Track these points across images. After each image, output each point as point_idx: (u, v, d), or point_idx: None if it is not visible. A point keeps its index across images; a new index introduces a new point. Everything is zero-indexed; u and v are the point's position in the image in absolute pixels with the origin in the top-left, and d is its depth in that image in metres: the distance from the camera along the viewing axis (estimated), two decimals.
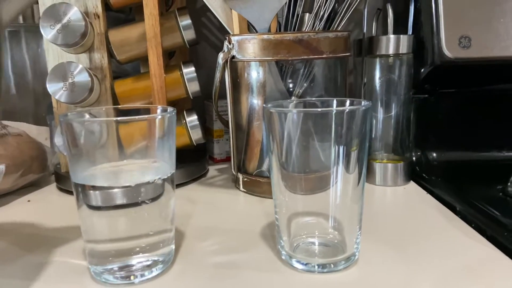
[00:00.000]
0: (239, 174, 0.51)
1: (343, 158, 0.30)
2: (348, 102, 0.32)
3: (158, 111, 0.32)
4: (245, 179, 0.50)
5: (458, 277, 0.30)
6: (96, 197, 0.30)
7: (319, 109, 0.30)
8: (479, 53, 0.49)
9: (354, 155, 0.31)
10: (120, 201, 0.30)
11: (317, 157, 0.31)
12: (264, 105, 0.32)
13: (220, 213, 0.44)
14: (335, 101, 0.33)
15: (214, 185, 0.54)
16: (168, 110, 0.31)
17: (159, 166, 0.31)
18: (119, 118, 0.29)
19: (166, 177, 0.31)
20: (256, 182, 0.49)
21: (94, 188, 0.30)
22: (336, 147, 0.30)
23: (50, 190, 0.53)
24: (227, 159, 0.65)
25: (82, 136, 0.29)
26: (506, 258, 0.33)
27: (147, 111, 0.39)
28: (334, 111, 0.29)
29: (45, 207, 0.47)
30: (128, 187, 0.30)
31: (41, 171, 0.53)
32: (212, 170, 0.61)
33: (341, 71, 0.49)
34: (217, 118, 0.58)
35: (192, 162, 0.56)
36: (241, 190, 0.51)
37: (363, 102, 0.31)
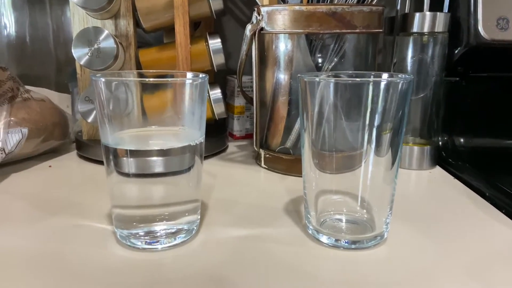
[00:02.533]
0: (261, 150, 0.50)
1: (376, 139, 0.29)
2: (386, 75, 0.31)
3: (189, 75, 0.31)
4: (267, 155, 0.49)
5: (489, 262, 0.29)
6: (129, 165, 0.29)
7: (357, 79, 0.29)
8: None
9: (387, 136, 0.30)
10: (151, 170, 0.29)
11: (348, 136, 0.30)
12: (298, 75, 0.31)
13: (241, 188, 0.44)
14: (372, 74, 0.32)
15: (234, 161, 0.53)
16: (200, 76, 0.30)
17: (189, 132, 0.31)
18: (152, 80, 0.28)
19: (195, 144, 0.30)
20: (278, 159, 0.48)
21: (127, 155, 0.29)
22: (369, 126, 0.29)
23: (71, 157, 0.52)
24: (247, 136, 0.64)
25: (114, 97, 0.28)
26: None
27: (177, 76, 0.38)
28: (371, 82, 0.28)
29: (67, 173, 0.47)
30: (159, 153, 0.29)
31: (62, 138, 0.53)
32: (232, 146, 0.60)
33: (372, 49, 0.47)
34: (240, 94, 0.57)
35: (212, 137, 0.55)
36: (262, 167, 0.50)
37: (404, 75, 0.29)
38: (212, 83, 0.52)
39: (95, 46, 0.45)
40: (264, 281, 0.27)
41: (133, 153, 0.29)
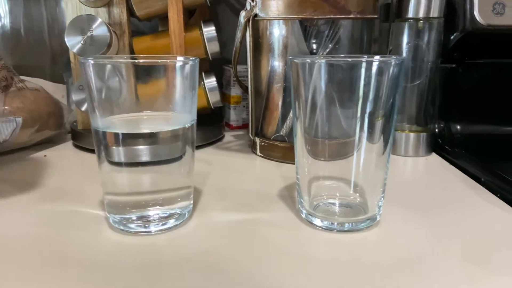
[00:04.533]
0: (256, 138, 0.50)
1: (368, 125, 0.29)
2: (378, 56, 0.30)
3: (180, 58, 0.31)
4: (263, 143, 0.49)
5: (485, 245, 0.29)
6: (118, 154, 0.29)
7: (349, 59, 0.28)
8: None
9: (380, 123, 0.29)
10: (142, 158, 0.29)
11: (341, 123, 0.30)
12: (289, 57, 0.30)
13: (236, 175, 0.44)
14: (364, 57, 0.31)
15: (230, 149, 0.53)
16: (191, 58, 0.30)
17: (180, 117, 0.30)
18: (142, 60, 0.28)
19: (186, 128, 0.30)
20: (273, 147, 0.48)
21: (117, 142, 0.29)
22: (362, 111, 0.29)
23: (66, 147, 0.52)
24: (244, 126, 0.64)
25: (103, 80, 0.28)
26: None
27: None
28: (364, 62, 0.28)
29: (62, 162, 0.47)
30: (149, 141, 0.29)
31: (57, 128, 0.53)
32: (228, 136, 0.60)
33: (367, 35, 0.47)
34: (236, 83, 0.57)
35: (208, 126, 0.55)
36: (258, 155, 0.50)
37: (396, 56, 0.29)
38: (207, 72, 0.52)
39: (88, 34, 0.45)
40: (257, 263, 0.27)
41: (124, 139, 0.29)
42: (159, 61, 0.28)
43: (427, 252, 0.28)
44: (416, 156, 0.50)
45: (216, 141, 0.56)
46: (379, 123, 0.30)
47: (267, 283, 0.25)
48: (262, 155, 0.50)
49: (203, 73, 0.52)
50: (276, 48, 0.46)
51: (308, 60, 0.29)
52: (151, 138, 0.30)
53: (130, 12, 0.49)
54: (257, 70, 0.48)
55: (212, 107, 0.53)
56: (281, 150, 0.48)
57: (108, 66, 0.28)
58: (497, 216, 0.34)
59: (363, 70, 0.28)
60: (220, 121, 0.59)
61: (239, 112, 0.63)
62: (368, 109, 0.29)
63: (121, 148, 0.29)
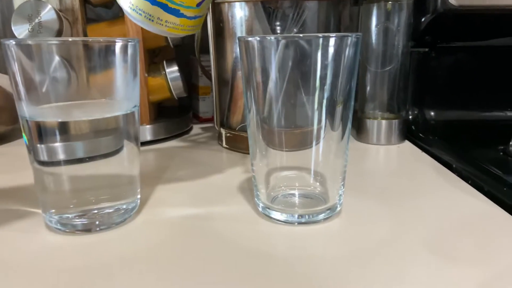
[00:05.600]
0: (222, 129, 0.48)
1: (326, 113, 0.27)
2: (334, 35, 0.28)
3: (119, 39, 0.28)
4: (228, 134, 0.47)
5: (451, 230, 0.27)
6: (49, 150, 0.26)
7: (302, 35, 0.26)
8: (485, 1, 0.45)
9: (339, 110, 0.27)
10: (77, 154, 0.27)
11: (296, 109, 0.28)
12: (238, 36, 0.28)
13: (198, 168, 0.41)
14: (321, 35, 0.29)
15: (196, 142, 0.51)
16: (131, 39, 0.27)
17: (120, 103, 0.28)
18: (70, 38, 0.25)
19: (125, 115, 0.27)
20: (239, 138, 0.46)
21: (41, 141, 0.26)
22: (320, 96, 0.27)
23: (20, 143, 0.49)
24: (213, 118, 0.61)
25: (29, 64, 0.25)
26: (504, 212, 0.30)
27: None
28: (321, 38, 0.25)
29: (11, 159, 0.44)
30: (85, 129, 0.26)
31: (11, 123, 0.50)
32: (196, 128, 0.57)
33: (334, 19, 0.44)
34: (202, 73, 0.54)
35: (174, 118, 0.52)
36: (224, 147, 0.48)
37: (353, 34, 0.27)
38: (169, 60, 0.49)
39: (36, 20, 0.42)
40: (206, 260, 0.24)
41: (61, 129, 0.26)
42: (90, 39, 0.25)
43: (387, 241, 0.26)
44: (388, 144, 0.48)
45: (182, 133, 0.54)
46: (338, 110, 0.27)
47: (212, 279, 0.22)
48: (228, 146, 0.47)
49: (164, 62, 0.49)
50: (239, 33, 0.43)
51: (258, 38, 0.27)
52: (86, 129, 0.27)
53: None
54: (220, 57, 0.46)
55: (176, 98, 0.50)
56: (246, 142, 0.45)
57: (35, 47, 0.25)
58: (465, 203, 0.32)
59: (319, 50, 0.26)
60: (187, 112, 0.56)
61: (208, 103, 0.61)
62: (326, 95, 0.27)
63: (54, 145, 0.26)
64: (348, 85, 0.27)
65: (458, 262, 0.24)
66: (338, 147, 0.28)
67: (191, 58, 0.61)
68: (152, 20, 0.31)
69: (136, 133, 0.29)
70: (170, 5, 0.31)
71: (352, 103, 0.28)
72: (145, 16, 0.31)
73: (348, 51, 0.27)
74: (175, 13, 0.31)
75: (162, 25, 0.31)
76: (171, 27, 0.32)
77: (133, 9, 0.31)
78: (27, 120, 0.27)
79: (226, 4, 0.43)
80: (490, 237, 0.27)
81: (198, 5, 0.32)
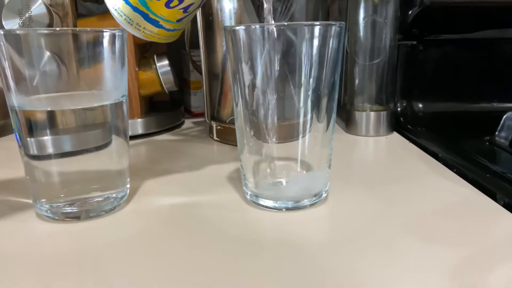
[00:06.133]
0: (212, 122, 0.48)
1: (312, 105, 0.28)
2: (318, 23, 0.29)
3: (106, 30, 0.29)
4: (219, 127, 0.47)
5: (434, 215, 0.28)
6: (38, 144, 0.27)
7: (286, 23, 0.26)
8: None
9: (324, 102, 0.28)
10: (65, 148, 0.27)
11: (284, 101, 0.28)
12: (225, 25, 0.28)
13: (188, 160, 0.41)
14: (305, 24, 0.30)
15: (187, 136, 0.51)
16: (118, 29, 0.28)
17: (108, 92, 0.28)
18: (58, 29, 0.26)
19: (115, 102, 0.28)
20: (229, 130, 0.46)
21: (30, 135, 0.27)
22: (306, 89, 0.27)
23: (12, 138, 0.49)
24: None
25: (16, 54, 0.25)
26: (486, 197, 0.31)
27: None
28: (306, 27, 0.26)
29: (5, 153, 0.44)
30: (73, 129, 0.27)
31: (3, 118, 0.50)
32: (188, 122, 0.58)
33: (322, 12, 0.45)
34: (193, 67, 0.55)
35: (166, 111, 0.53)
36: (214, 140, 0.48)
37: (336, 22, 0.27)
38: (160, 54, 0.50)
39: (26, 15, 0.42)
40: (194, 246, 0.25)
41: (50, 121, 0.27)
42: (78, 29, 0.26)
43: (372, 225, 0.27)
44: (377, 135, 0.48)
45: (174, 127, 0.54)
46: (324, 102, 0.28)
47: (201, 265, 0.23)
48: (218, 139, 0.48)
49: (155, 56, 0.49)
50: None
51: (243, 26, 0.27)
52: (75, 123, 0.27)
53: None
54: (210, 51, 0.46)
55: (167, 92, 0.51)
56: None
57: (23, 37, 0.25)
58: (448, 189, 0.32)
59: (305, 39, 0.26)
60: (179, 107, 0.57)
61: (199, 98, 0.61)
62: (311, 87, 0.27)
63: (43, 138, 0.27)
64: (332, 77, 0.28)
65: (440, 243, 0.24)
66: (324, 137, 0.29)
67: (182, 53, 0.61)
68: (132, 24, 0.32)
69: (124, 127, 0.29)
70: (150, 15, 0.31)
71: (336, 95, 0.29)
72: (125, 19, 0.32)
73: (332, 42, 0.27)
74: (154, 23, 0.32)
75: (140, 30, 0.32)
76: (148, 34, 0.33)
77: (116, 10, 0.32)
78: (16, 111, 0.27)
79: None
80: (472, 220, 0.27)
81: (178, 21, 0.33)
